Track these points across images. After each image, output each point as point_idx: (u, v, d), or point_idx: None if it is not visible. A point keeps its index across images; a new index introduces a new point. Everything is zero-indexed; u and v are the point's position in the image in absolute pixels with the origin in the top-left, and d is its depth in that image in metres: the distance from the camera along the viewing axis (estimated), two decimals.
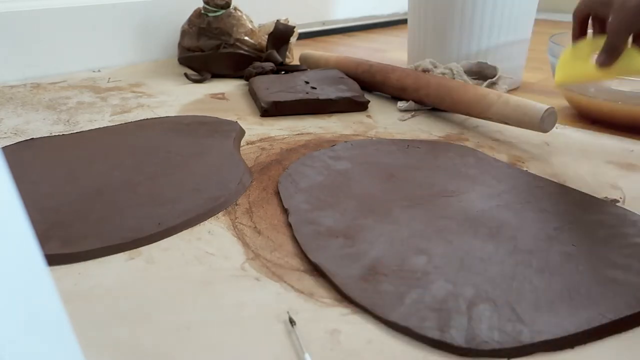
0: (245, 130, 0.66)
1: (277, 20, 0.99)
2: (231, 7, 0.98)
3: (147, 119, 0.71)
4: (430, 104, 0.72)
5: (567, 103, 0.74)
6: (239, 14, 0.98)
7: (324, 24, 1.40)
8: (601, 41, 0.45)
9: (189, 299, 0.36)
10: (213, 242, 0.43)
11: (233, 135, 0.62)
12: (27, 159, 0.57)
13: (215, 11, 0.96)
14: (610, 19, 0.45)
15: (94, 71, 1.00)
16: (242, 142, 0.63)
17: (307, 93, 0.74)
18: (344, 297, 0.36)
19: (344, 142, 0.62)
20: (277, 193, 0.50)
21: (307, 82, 0.78)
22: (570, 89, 0.70)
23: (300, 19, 1.12)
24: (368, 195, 0.48)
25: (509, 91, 0.81)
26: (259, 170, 0.55)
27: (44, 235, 0.42)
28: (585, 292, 0.35)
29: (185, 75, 0.91)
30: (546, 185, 0.50)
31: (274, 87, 0.76)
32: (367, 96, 0.76)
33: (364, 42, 1.33)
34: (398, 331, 0.33)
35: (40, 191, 0.50)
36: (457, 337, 0.31)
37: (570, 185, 0.50)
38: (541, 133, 0.60)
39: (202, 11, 0.98)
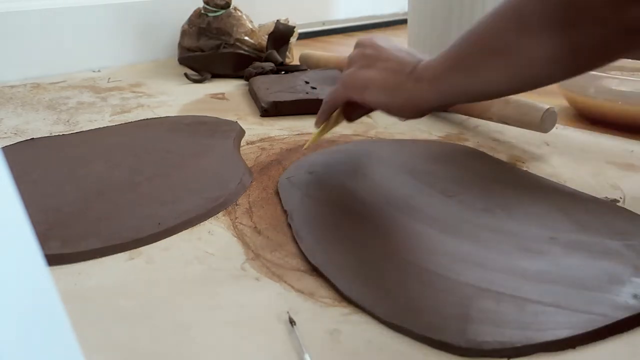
0: (245, 130, 0.66)
1: (277, 20, 0.99)
2: (231, 7, 0.98)
3: (147, 119, 0.71)
4: None
5: (567, 103, 0.74)
6: (239, 14, 0.98)
7: (324, 24, 1.40)
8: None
9: (189, 299, 0.36)
10: (213, 242, 0.43)
11: (233, 135, 0.62)
12: (27, 159, 0.57)
13: (215, 11, 0.96)
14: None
15: (94, 71, 1.00)
16: (242, 142, 0.63)
17: (307, 93, 0.74)
18: (344, 298, 0.36)
19: (344, 142, 0.62)
20: (277, 193, 0.50)
21: (307, 82, 0.78)
22: (570, 89, 0.70)
23: (300, 19, 1.12)
24: (368, 196, 0.48)
25: None
26: (259, 170, 0.55)
27: (44, 235, 0.42)
28: (586, 293, 0.35)
29: (185, 75, 0.91)
30: (546, 186, 0.50)
31: (274, 87, 0.76)
32: None
33: None
34: (398, 331, 0.33)
35: (40, 191, 0.50)
36: (457, 337, 0.31)
37: (570, 185, 0.50)
38: (541, 133, 0.60)
39: (202, 11, 0.98)
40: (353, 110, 0.52)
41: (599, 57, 0.36)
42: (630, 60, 0.72)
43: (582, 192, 0.48)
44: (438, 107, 0.44)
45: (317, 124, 0.53)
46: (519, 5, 0.36)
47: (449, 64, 0.41)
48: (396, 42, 0.50)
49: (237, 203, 0.49)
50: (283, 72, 0.90)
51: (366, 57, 0.47)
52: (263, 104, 0.72)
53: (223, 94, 0.84)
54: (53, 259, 0.40)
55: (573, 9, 0.34)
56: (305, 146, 0.53)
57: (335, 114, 0.52)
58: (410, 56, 0.46)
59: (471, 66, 0.39)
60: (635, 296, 0.34)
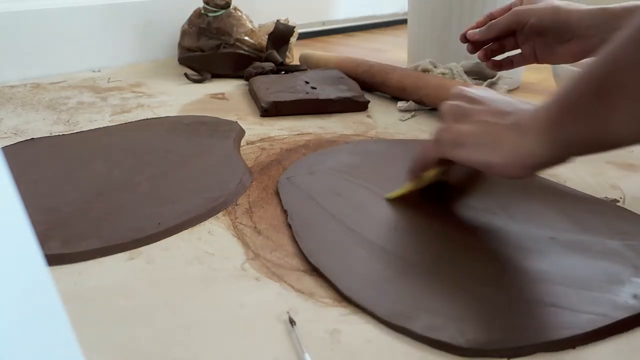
0: (245, 130, 0.66)
1: (277, 20, 0.99)
2: (231, 7, 0.98)
3: (147, 119, 0.71)
4: (430, 104, 0.72)
5: None
6: (239, 14, 0.98)
7: (324, 24, 1.40)
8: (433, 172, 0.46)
9: (189, 299, 0.36)
10: (213, 242, 0.43)
11: (233, 135, 0.62)
12: (27, 159, 0.57)
13: (215, 11, 0.96)
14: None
15: (94, 71, 1.00)
16: (242, 142, 0.63)
17: (307, 93, 0.74)
18: (344, 298, 0.36)
19: (344, 142, 0.62)
20: (277, 193, 0.50)
21: (307, 82, 0.78)
22: None
23: (300, 19, 1.12)
24: (368, 196, 0.48)
25: (509, 91, 0.81)
26: (259, 170, 0.55)
27: (44, 235, 0.42)
28: (586, 293, 0.35)
29: (185, 75, 0.91)
30: (546, 186, 0.50)
31: (274, 87, 0.76)
32: (367, 96, 0.76)
33: (364, 42, 1.33)
34: (398, 331, 0.33)
35: (40, 191, 0.50)
36: (457, 337, 0.31)
37: (570, 185, 0.50)
38: None
39: (202, 11, 0.98)
40: (454, 168, 0.45)
41: None
42: None
43: (582, 192, 0.48)
44: (552, 163, 0.36)
45: (408, 180, 0.47)
46: None
47: (565, 111, 0.34)
48: (493, 92, 0.44)
49: (237, 203, 0.49)
50: (283, 72, 0.90)
51: (459, 109, 0.42)
52: (263, 104, 0.72)
53: (223, 94, 0.84)
54: (53, 259, 0.40)
55: None
56: (386, 196, 0.47)
57: (431, 172, 0.45)
58: (510, 105, 0.40)
59: (595, 111, 0.32)
60: (635, 296, 0.34)
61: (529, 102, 0.40)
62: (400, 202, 0.47)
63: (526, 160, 0.36)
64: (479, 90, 0.44)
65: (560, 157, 0.36)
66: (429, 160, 0.44)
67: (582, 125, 0.33)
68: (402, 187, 0.47)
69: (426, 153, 0.44)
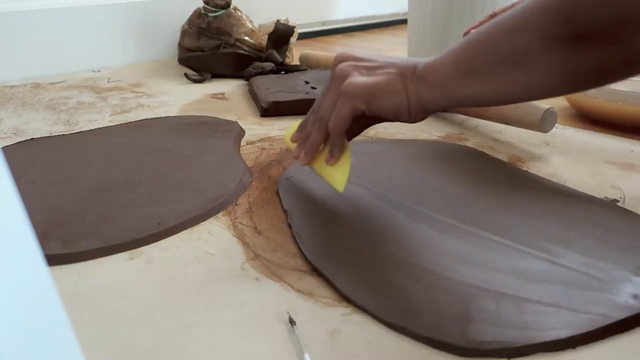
0: (245, 130, 0.66)
1: (277, 20, 0.99)
2: (231, 7, 0.98)
3: (147, 119, 0.71)
4: None
5: (567, 103, 0.74)
6: (239, 14, 0.98)
7: (324, 24, 1.40)
8: None
9: (189, 299, 0.36)
10: (213, 242, 0.43)
11: (233, 135, 0.62)
12: (27, 159, 0.57)
13: (215, 11, 0.96)
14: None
15: (94, 71, 1.00)
16: (242, 142, 0.63)
17: (307, 93, 0.74)
18: (344, 298, 0.36)
19: None
20: (277, 193, 0.50)
21: (307, 82, 0.78)
22: None
23: (300, 19, 1.12)
24: (368, 196, 0.48)
25: None
26: (259, 170, 0.55)
27: (44, 235, 0.42)
28: (586, 293, 0.35)
29: (185, 75, 0.91)
30: (546, 186, 0.50)
31: (274, 87, 0.76)
32: None
33: (364, 42, 1.33)
34: (398, 331, 0.33)
35: (40, 191, 0.50)
36: (457, 337, 0.31)
37: (570, 185, 0.50)
38: (541, 133, 0.60)
39: (202, 11, 0.98)
40: (355, 126, 0.47)
41: (597, 79, 0.39)
42: None
43: (582, 192, 0.48)
44: (441, 110, 0.43)
45: (332, 159, 0.46)
46: (539, 20, 0.36)
47: (461, 70, 0.40)
48: (367, 51, 0.47)
49: (237, 203, 0.49)
50: (283, 72, 0.90)
51: (362, 67, 0.45)
52: (263, 104, 0.72)
53: (223, 94, 0.84)
54: (53, 259, 0.40)
55: (584, 28, 0.34)
56: (341, 189, 0.46)
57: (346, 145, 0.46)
58: (406, 60, 0.45)
59: (488, 75, 0.39)
60: (635, 296, 0.34)
61: (405, 58, 0.46)
62: (400, 204, 0.47)
63: (425, 105, 0.43)
64: (365, 51, 0.47)
65: (451, 106, 0.46)
66: (347, 118, 0.44)
67: (477, 85, 0.39)
68: (339, 168, 0.46)
69: (342, 112, 0.44)
